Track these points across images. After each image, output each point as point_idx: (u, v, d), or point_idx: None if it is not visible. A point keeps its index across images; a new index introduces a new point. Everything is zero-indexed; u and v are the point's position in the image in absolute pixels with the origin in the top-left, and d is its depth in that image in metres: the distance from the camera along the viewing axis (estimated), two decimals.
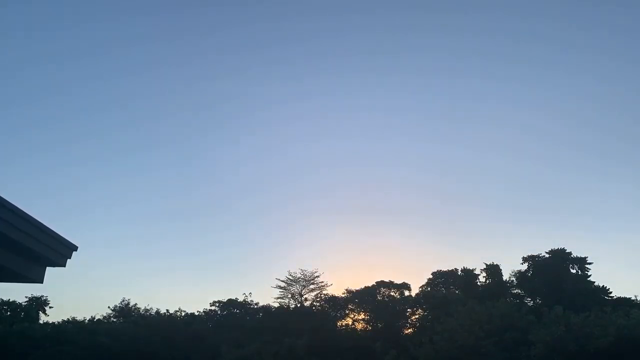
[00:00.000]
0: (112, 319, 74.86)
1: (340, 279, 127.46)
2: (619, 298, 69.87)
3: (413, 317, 75.88)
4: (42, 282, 8.23)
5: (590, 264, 74.83)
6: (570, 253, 75.55)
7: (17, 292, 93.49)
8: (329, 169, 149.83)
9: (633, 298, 68.96)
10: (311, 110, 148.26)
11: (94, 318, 73.70)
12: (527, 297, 75.62)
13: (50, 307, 79.74)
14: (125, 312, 74.99)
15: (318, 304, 77.34)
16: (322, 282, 77.31)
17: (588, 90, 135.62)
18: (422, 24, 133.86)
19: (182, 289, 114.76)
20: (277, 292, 77.56)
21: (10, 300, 76.54)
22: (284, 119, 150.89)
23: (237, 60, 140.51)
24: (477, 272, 78.05)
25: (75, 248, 8.07)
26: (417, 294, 77.74)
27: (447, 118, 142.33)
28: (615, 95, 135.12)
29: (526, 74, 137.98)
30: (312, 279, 77.00)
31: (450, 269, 79.65)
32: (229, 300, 75.48)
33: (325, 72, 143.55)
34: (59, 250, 7.80)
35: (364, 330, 74.06)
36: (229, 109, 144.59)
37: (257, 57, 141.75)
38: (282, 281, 77.12)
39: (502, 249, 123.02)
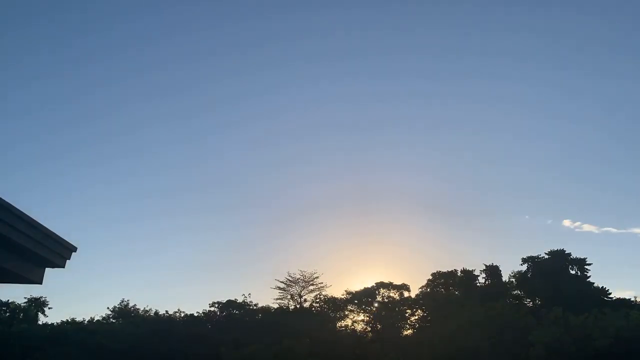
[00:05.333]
0: (111, 319, 74.79)
1: (340, 280, 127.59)
2: (618, 299, 69.85)
3: (412, 318, 75.78)
4: (41, 283, 8.22)
5: (589, 264, 74.88)
6: (569, 254, 75.60)
7: (16, 293, 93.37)
8: (329, 169, 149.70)
9: (632, 299, 69.02)
10: (311, 110, 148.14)
11: (93, 319, 73.66)
12: (527, 298, 75.62)
13: (49, 308, 79.74)
14: (124, 312, 74.92)
15: (317, 304, 77.28)
16: (322, 283, 77.34)
17: (589, 91, 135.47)
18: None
19: (182, 290, 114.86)
20: (277, 293, 77.63)
21: (10, 301, 76.46)
22: (285, 119, 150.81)
23: (235, 57, 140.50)
24: (476, 273, 78.07)
25: (74, 249, 8.06)
26: (416, 295, 77.66)
27: (449, 118, 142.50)
28: (617, 96, 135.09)
29: (527, 74, 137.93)
30: (312, 280, 77.02)
31: (449, 269, 79.66)
32: (229, 301, 75.37)
33: (328, 75, 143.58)
34: (58, 252, 7.80)
35: (364, 331, 73.99)
36: (228, 108, 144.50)
37: (255, 55, 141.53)
38: (282, 282, 77.18)
39: (502, 249, 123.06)
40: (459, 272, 78.75)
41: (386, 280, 78.81)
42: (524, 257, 77.88)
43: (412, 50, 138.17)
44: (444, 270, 79.77)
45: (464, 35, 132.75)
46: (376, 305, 76.09)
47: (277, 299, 77.23)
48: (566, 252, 75.64)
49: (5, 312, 76.47)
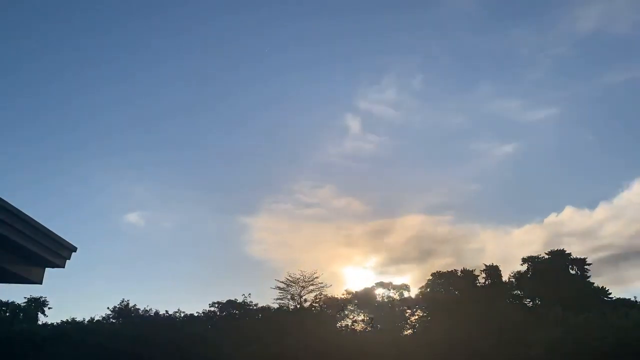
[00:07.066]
0: (111, 319, 74.82)
1: (340, 279, 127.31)
2: (618, 299, 69.93)
3: (412, 318, 75.91)
4: (41, 283, 8.25)
5: (589, 264, 74.99)
6: (569, 254, 75.74)
7: (16, 293, 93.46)
8: (329, 169, 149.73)
9: (632, 299, 69.06)
10: (310, 113, 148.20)
11: (93, 319, 73.69)
12: (527, 298, 75.71)
13: (49, 308, 79.90)
14: (124, 312, 74.92)
15: (317, 305, 77.37)
16: (322, 283, 77.45)
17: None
18: None
19: (182, 290, 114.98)
20: (277, 293, 77.73)
21: (10, 301, 76.62)
22: (285, 117, 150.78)
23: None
24: (476, 273, 78.15)
25: (74, 249, 8.08)
26: (416, 295, 77.85)
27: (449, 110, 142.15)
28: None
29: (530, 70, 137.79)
30: (312, 280, 77.12)
31: (449, 269, 79.82)
32: (229, 301, 75.48)
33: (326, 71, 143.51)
34: (58, 252, 7.82)
35: (363, 331, 74.07)
36: (228, 105, 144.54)
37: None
38: (282, 282, 77.29)
39: (502, 249, 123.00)
40: (459, 272, 78.90)
41: (386, 281, 79.14)
42: (524, 257, 78.11)
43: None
44: (444, 270, 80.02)
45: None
46: (376, 305, 76.22)
47: (277, 299, 77.35)
48: (566, 252, 75.82)
49: (5, 312, 76.59)
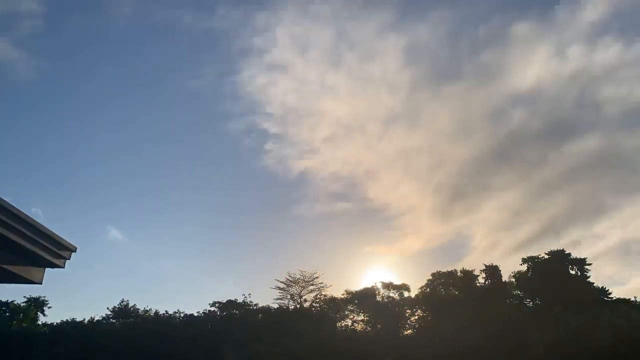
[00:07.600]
0: (111, 319, 74.81)
1: (340, 279, 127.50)
2: (619, 299, 69.83)
3: (412, 318, 75.81)
4: (41, 283, 8.22)
5: (589, 264, 74.85)
6: (569, 254, 75.61)
7: (16, 293, 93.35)
8: (327, 171, 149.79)
9: (632, 299, 68.96)
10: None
11: (93, 319, 73.69)
12: (527, 298, 75.60)
13: (49, 308, 79.82)
14: (124, 312, 74.92)
15: (317, 305, 77.32)
16: (322, 283, 77.44)
17: None
18: None
19: (182, 290, 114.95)
20: (277, 293, 77.74)
21: (9, 301, 76.54)
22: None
23: None
24: (476, 273, 78.00)
25: (74, 249, 8.06)
26: (416, 295, 77.70)
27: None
28: None
29: None
30: (312, 280, 77.13)
31: (449, 269, 79.67)
32: (229, 301, 75.46)
33: None
34: (58, 252, 7.79)
35: (364, 331, 74.00)
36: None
37: None
38: (282, 282, 77.30)
39: (501, 250, 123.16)
40: (458, 272, 78.73)
41: (386, 280, 79.00)
42: (524, 257, 77.97)
43: None
44: (444, 270, 79.85)
45: None
46: (376, 305, 76.13)
47: (277, 299, 77.42)
48: (566, 252, 75.68)
49: (5, 312, 76.52)
